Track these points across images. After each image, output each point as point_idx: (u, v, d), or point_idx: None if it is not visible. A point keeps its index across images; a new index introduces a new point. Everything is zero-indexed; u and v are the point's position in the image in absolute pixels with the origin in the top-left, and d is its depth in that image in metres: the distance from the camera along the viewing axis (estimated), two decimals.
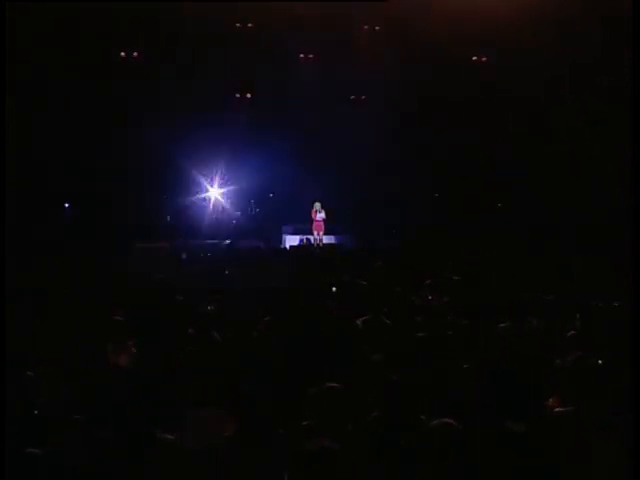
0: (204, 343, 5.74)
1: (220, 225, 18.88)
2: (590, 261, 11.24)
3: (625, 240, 5.90)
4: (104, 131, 17.81)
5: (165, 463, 3.62)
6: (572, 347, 5.23)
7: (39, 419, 3.81)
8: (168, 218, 19.03)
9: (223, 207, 19.80)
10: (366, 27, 20.07)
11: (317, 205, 18.14)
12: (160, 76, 18.37)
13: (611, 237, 10.39)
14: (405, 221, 18.97)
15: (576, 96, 18.16)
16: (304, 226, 18.78)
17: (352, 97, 20.70)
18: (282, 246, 18.14)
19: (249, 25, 19.39)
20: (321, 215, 18.16)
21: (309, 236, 18.47)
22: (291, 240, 18.96)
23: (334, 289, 8.63)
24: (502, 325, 6.31)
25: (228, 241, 7.18)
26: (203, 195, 19.66)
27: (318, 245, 17.99)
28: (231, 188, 19.81)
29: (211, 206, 19.66)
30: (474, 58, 20.20)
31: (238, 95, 20.10)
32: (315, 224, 18.23)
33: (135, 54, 18.69)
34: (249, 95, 20.14)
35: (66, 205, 18.53)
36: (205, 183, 19.55)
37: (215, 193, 19.73)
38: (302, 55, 20.08)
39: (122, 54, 18.64)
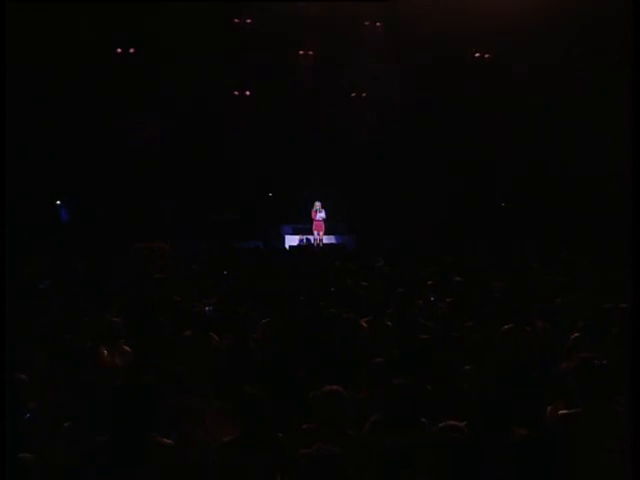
0: (202, 345, 5.67)
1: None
2: (596, 261, 11.19)
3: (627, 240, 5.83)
4: (101, 128, 17.74)
5: (162, 467, 3.55)
6: (577, 349, 5.16)
7: (30, 423, 3.73)
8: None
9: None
10: (367, 23, 20.00)
11: (317, 204, 18.05)
12: (158, 73, 18.28)
13: (617, 237, 10.32)
14: (407, 220, 18.89)
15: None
16: (304, 226, 18.72)
17: (353, 94, 20.62)
18: (282, 246, 18.06)
19: (247, 21, 19.31)
20: (321, 215, 18.06)
21: (309, 236, 18.40)
22: (291, 240, 18.89)
23: (333, 289, 8.56)
24: (506, 327, 6.24)
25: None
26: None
27: (318, 245, 17.91)
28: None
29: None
30: (477, 55, 20.13)
31: (237, 92, 20.00)
32: (315, 224, 18.14)
33: (131, 50, 18.59)
34: (248, 92, 20.04)
35: (57, 202, 18.44)
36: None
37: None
38: (302, 52, 19.98)
39: (118, 50, 18.54)
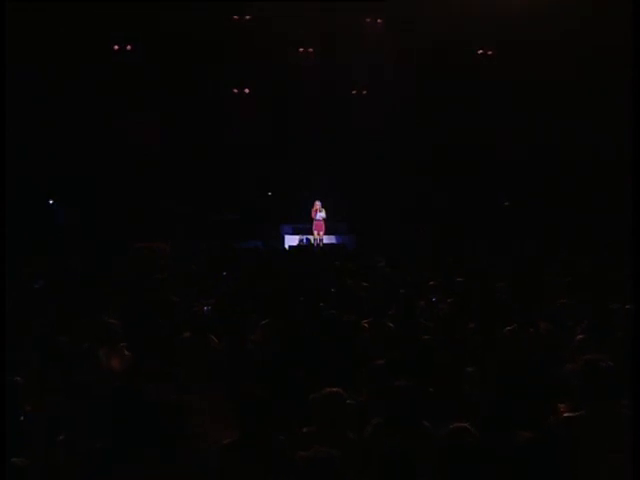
0: (201, 346, 5.62)
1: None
2: (596, 261, 11.14)
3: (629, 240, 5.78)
4: (101, 128, 17.70)
5: (160, 472, 3.51)
6: (582, 351, 5.10)
7: (25, 427, 3.68)
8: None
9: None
10: (368, 19, 19.92)
11: (318, 204, 17.97)
12: (158, 72, 18.24)
13: (617, 237, 10.28)
14: (408, 220, 18.85)
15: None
16: (304, 225, 18.66)
17: (354, 92, 20.55)
18: (281, 246, 17.99)
19: (247, 17, 19.22)
20: (321, 214, 17.98)
21: (309, 236, 18.33)
22: (290, 240, 18.82)
23: (333, 290, 8.50)
24: (509, 328, 6.17)
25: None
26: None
27: (318, 245, 17.83)
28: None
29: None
30: (479, 52, 20.07)
31: (236, 90, 19.92)
32: (315, 223, 18.05)
33: (128, 47, 18.52)
34: (247, 90, 19.96)
35: (50, 202, 18.39)
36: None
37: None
38: (302, 49, 19.88)
39: (115, 47, 18.49)
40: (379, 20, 19.84)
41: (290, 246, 17.80)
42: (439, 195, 19.49)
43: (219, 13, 18.46)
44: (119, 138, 17.99)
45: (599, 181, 17.27)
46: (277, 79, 19.38)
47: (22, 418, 3.77)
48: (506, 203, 20.09)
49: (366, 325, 6.51)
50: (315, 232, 18.11)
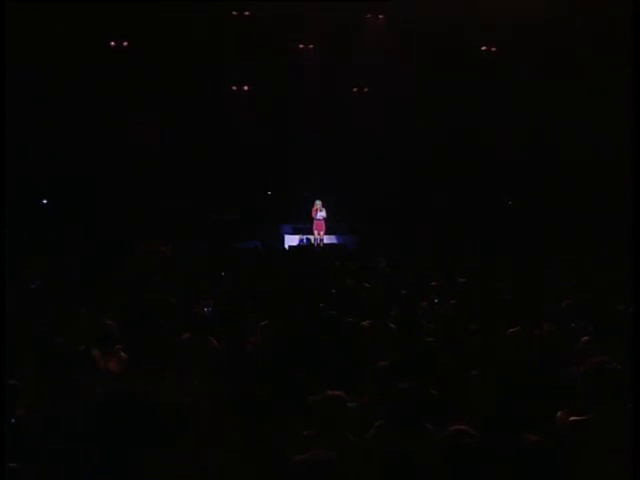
0: (200, 347, 5.58)
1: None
2: (596, 261, 11.10)
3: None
4: (101, 128, 17.65)
5: (160, 473, 3.45)
6: (588, 352, 5.05)
7: (19, 431, 3.63)
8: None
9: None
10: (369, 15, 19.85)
11: (318, 203, 17.89)
12: (158, 72, 18.18)
13: (617, 237, 10.24)
14: (407, 220, 18.80)
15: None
16: (304, 225, 18.59)
17: (354, 89, 20.48)
18: (281, 246, 17.93)
19: (246, 13, 19.13)
20: (322, 214, 17.91)
21: (309, 236, 18.26)
22: (290, 240, 18.75)
23: (334, 291, 8.46)
24: (512, 330, 6.12)
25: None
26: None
27: (318, 245, 17.76)
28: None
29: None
30: (483, 48, 20.02)
31: (235, 88, 19.85)
32: (316, 223, 17.98)
33: (125, 43, 18.47)
34: (246, 88, 19.89)
35: (44, 202, 18.34)
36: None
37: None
38: (302, 46, 19.79)
39: (112, 43, 18.43)
40: (380, 16, 19.72)
41: (290, 246, 17.75)
42: (439, 195, 19.43)
43: (218, 12, 18.40)
44: (119, 138, 17.94)
45: (599, 181, 17.24)
46: (277, 78, 19.30)
47: (13, 421, 3.72)
48: (509, 202, 20.04)
49: (367, 326, 6.47)
50: (316, 232, 18.04)
